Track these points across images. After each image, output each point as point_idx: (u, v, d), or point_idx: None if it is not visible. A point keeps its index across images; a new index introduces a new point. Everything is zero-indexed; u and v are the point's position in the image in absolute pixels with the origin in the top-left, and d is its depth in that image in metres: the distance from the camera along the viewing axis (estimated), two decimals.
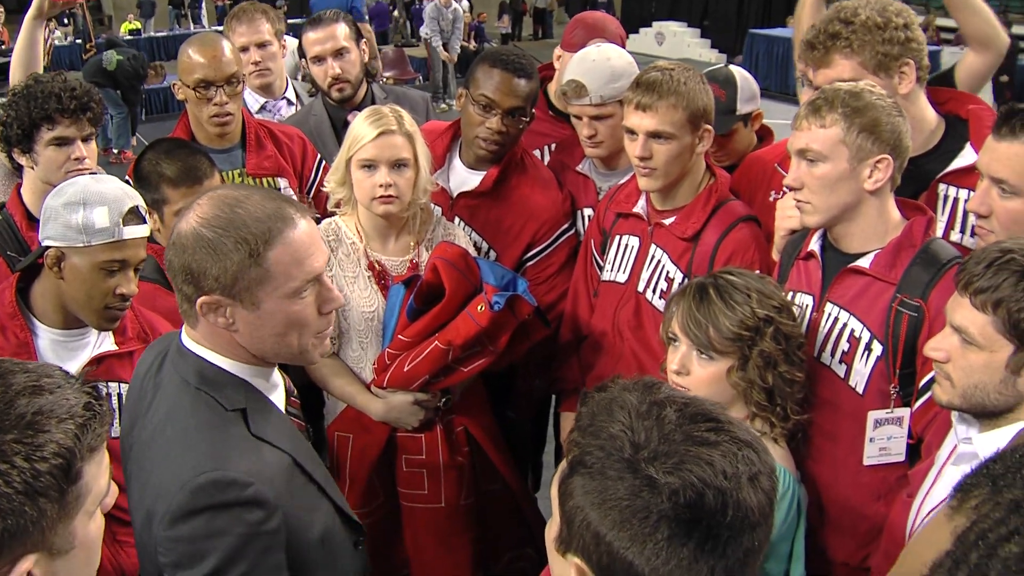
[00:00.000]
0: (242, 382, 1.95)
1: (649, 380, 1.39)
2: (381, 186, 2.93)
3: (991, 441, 1.96)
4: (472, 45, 17.76)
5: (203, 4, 25.84)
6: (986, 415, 2.01)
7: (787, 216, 2.78)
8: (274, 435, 1.94)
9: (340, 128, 4.03)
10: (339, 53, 4.02)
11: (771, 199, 3.16)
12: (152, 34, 22.06)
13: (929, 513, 2.13)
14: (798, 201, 2.52)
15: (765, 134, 3.74)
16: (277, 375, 2.10)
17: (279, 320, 1.90)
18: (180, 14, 25.93)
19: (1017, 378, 1.92)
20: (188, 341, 1.97)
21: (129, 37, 20.91)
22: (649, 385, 1.36)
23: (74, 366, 2.58)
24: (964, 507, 0.75)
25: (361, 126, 2.97)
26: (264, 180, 3.66)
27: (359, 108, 4.06)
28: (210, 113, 3.56)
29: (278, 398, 2.07)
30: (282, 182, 3.70)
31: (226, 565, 1.76)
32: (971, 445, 2.04)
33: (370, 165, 2.95)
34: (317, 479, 2.02)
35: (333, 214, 3.20)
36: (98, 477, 1.34)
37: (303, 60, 4.27)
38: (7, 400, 1.25)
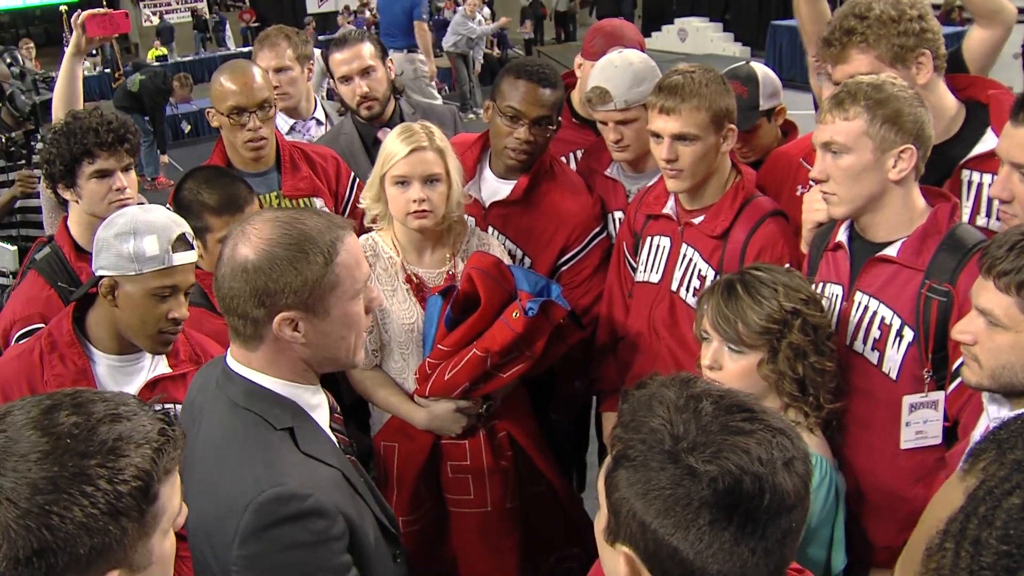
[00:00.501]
0: (289, 402, 2.02)
1: (685, 376, 1.45)
2: (415, 201, 3.00)
3: None
4: (496, 52, 17.78)
5: (227, 26, 26.08)
6: (1016, 394, 2.04)
7: (814, 209, 2.82)
8: (320, 452, 2.01)
9: (371, 145, 4.12)
10: (366, 72, 4.09)
11: (797, 193, 3.19)
12: (178, 59, 22.28)
13: None
14: (824, 193, 2.56)
15: (789, 128, 3.78)
16: (321, 393, 2.16)
17: (343, 323, 2.00)
18: (205, 37, 26.19)
19: None
20: (235, 364, 2.03)
21: (156, 64, 21.18)
22: (686, 380, 1.43)
23: (130, 390, 2.66)
24: (974, 469, 0.83)
25: (393, 143, 3.04)
26: (300, 201, 3.74)
27: (389, 125, 4.13)
28: (244, 139, 3.64)
29: (322, 416, 2.14)
30: (318, 202, 3.77)
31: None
32: None
33: (403, 181, 3.02)
34: (361, 492, 2.10)
35: (369, 230, 3.26)
36: (172, 497, 1.41)
37: (331, 80, 4.34)
38: (90, 427, 1.32)
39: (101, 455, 1.30)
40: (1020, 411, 0.76)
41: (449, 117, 4.41)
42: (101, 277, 2.58)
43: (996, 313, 1.99)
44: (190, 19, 27.10)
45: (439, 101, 8.78)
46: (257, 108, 3.62)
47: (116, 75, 16.07)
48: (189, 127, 16.68)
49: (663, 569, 1.33)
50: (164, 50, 22.59)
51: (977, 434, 2.24)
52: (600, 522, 1.45)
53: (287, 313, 1.92)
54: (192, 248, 2.63)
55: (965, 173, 2.85)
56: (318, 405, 2.12)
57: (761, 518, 1.28)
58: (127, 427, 1.35)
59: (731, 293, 2.42)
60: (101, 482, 1.28)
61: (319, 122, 4.66)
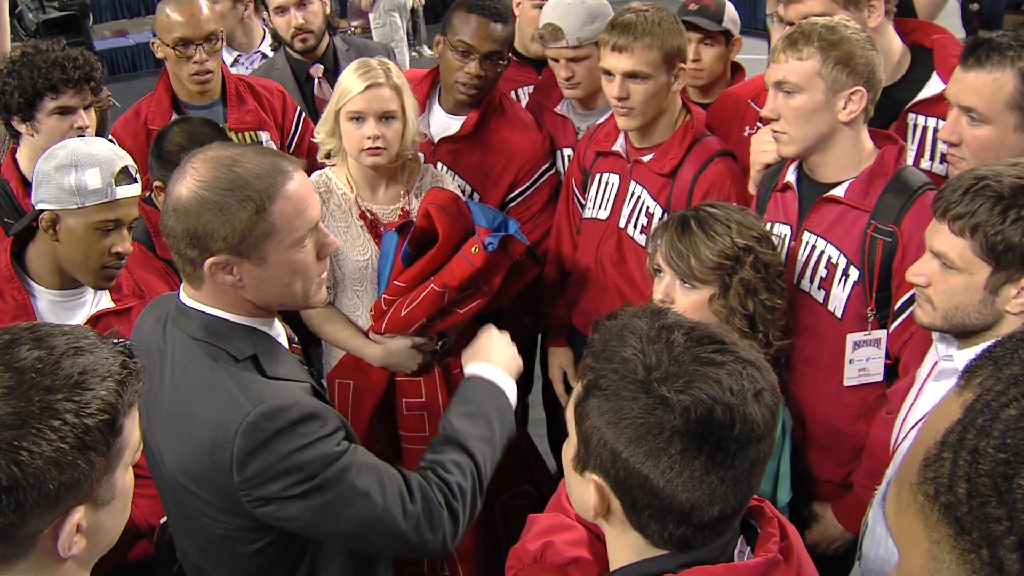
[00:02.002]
0: (249, 330, 2.00)
1: (656, 307, 1.48)
2: (369, 138, 2.97)
3: (970, 357, 2.05)
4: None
5: None
6: (965, 334, 2.09)
7: (763, 151, 2.85)
8: (287, 372, 2.01)
9: (303, 81, 4.10)
10: (302, 3, 4.03)
11: (745, 134, 3.22)
12: None
13: (913, 427, 2.23)
14: (775, 132, 2.59)
15: (737, 70, 3.80)
16: (278, 324, 2.15)
17: (284, 271, 1.95)
18: None
19: (995, 297, 2.00)
20: (189, 300, 2.00)
21: None
22: (657, 312, 1.44)
23: None
24: (971, 384, 0.86)
25: (350, 79, 3.01)
26: (246, 134, 3.70)
27: (321, 61, 4.14)
28: (190, 71, 3.59)
29: (282, 343, 2.13)
30: (264, 135, 3.73)
31: (310, 477, 1.87)
32: (952, 362, 2.13)
33: (358, 117, 2.98)
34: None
35: (321, 165, 3.24)
36: (133, 431, 1.40)
37: (265, 11, 4.27)
38: (53, 361, 1.30)
39: (67, 389, 1.28)
40: (1010, 334, 0.82)
41: (383, 54, 4.33)
42: (41, 211, 2.53)
43: (950, 256, 2.03)
44: None
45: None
46: (204, 41, 3.56)
47: None
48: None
49: (632, 497, 1.35)
50: None
51: (923, 371, 2.30)
52: (569, 451, 1.47)
53: (217, 258, 1.88)
54: (136, 181, 2.58)
55: (911, 116, 2.90)
56: (276, 335, 2.11)
57: (731, 447, 1.30)
58: (90, 360, 1.33)
59: (685, 228, 2.43)
60: (68, 416, 1.26)
61: (264, 55, 4.57)
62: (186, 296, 2.01)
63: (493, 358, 2.30)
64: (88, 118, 3.12)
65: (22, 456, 1.22)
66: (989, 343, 0.90)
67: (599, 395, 1.36)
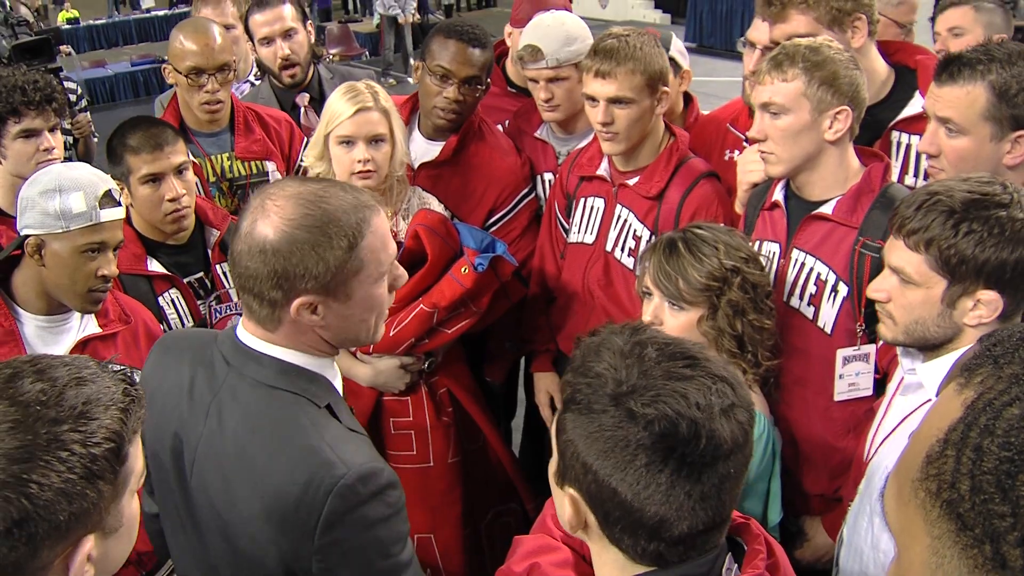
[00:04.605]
0: (322, 378, 1.93)
1: (637, 324, 1.47)
2: (360, 161, 2.99)
3: (934, 370, 2.09)
4: (415, 18, 17.62)
5: None
6: (928, 347, 2.12)
7: (749, 170, 2.88)
8: (354, 423, 1.94)
9: (289, 110, 4.09)
10: (288, 34, 4.03)
11: (726, 158, 3.26)
12: (91, 22, 21.66)
13: (883, 441, 2.24)
14: (763, 152, 2.62)
15: (687, 101, 3.74)
16: (335, 366, 2.04)
17: (365, 307, 1.89)
18: (119, 1, 25.48)
19: (952, 311, 2.02)
20: (253, 341, 1.90)
21: (67, 26, 20.57)
22: (636, 328, 1.45)
23: (60, 350, 2.61)
24: (972, 383, 0.87)
25: (338, 103, 3.02)
26: (252, 163, 3.70)
27: (307, 90, 4.13)
28: (201, 100, 3.58)
29: (339, 385, 2.04)
30: (270, 165, 3.74)
31: (388, 549, 1.82)
32: (916, 376, 2.16)
33: (348, 141, 3.01)
34: None
35: None
36: (138, 458, 1.40)
37: (250, 43, 4.27)
38: (57, 393, 1.31)
39: (72, 420, 1.29)
40: (1011, 327, 0.86)
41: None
42: (27, 236, 2.52)
43: (907, 271, 2.06)
44: None
45: None
46: (216, 71, 3.55)
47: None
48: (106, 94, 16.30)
49: (604, 510, 1.36)
50: (76, 12, 21.92)
51: (892, 386, 2.34)
52: (552, 465, 1.48)
53: (306, 298, 1.80)
54: (119, 205, 2.58)
55: (895, 135, 2.94)
56: (336, 375, 2.02)
57: (697, 462, 1.30)
58: (93, 390, 1.34)
59: (673, 250, 2.45)
60: (75, 446, 1.27)
61: (252, 84, 4.57)
62: (252, 337, 1.91)
63: None
64: (54, 140, 3.12)
65: (32, 489, 1.22)
66: (955, 357, 0.92)
67: (574, 408, 1.38)
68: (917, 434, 0.91)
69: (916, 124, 2.83)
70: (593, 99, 2.97)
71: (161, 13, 21.63)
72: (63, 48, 14.59)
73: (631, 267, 3.09)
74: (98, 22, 21.79)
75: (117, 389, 1.36)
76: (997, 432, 0.81)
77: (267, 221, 1.79)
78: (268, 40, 4.04)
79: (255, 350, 1.90)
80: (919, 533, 0.86)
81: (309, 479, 1.75)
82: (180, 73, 3.55)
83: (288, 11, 4.04)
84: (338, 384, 2.00)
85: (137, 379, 1.44)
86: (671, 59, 3.52)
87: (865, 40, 2.86)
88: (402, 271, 1.98)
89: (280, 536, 1.79)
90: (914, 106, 2.89)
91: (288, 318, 1.83)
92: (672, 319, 2.46)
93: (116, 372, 1.41)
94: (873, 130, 2.86)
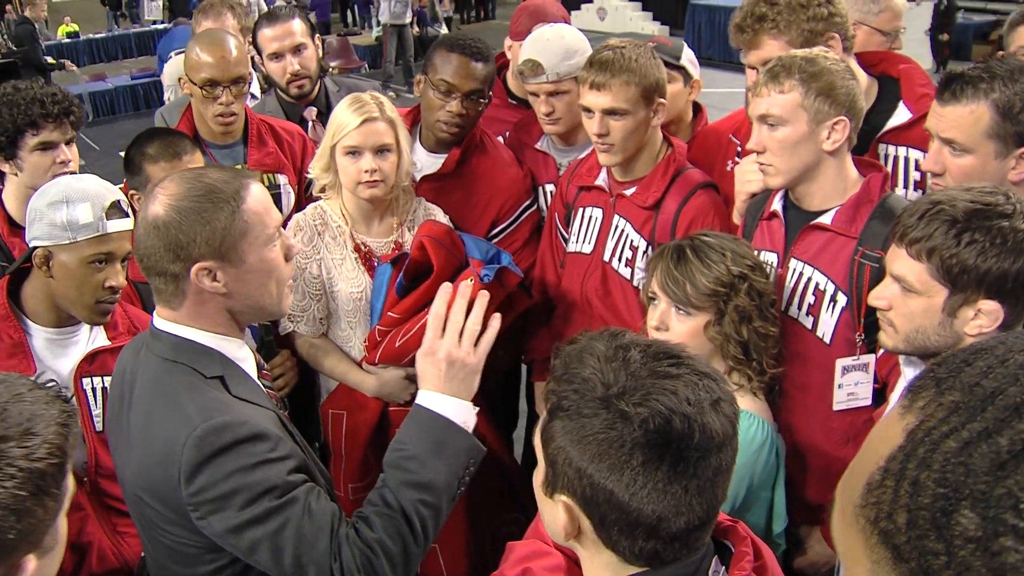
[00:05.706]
0: (217, 353, 2.08)
1: (614, 329, 1.50)
2: (366, 171, 3.03)
3: None
4: (415, 31, 17.66)
5: (142, 2, 25.36)
6: (929, 356, 2.12)
7: (747, 180, 2.90)
8: (253, 396, 2.07)
9: (296, 123, 4.09)
10: (297, 49, 4.06)
11: (728, 168, 3.27)
12: (91, 36, 21.71)
13: None
14: (761, 164, 2.64)
15: (698, 110, 3.80)
16: (246, 348, 2.21)
17: (260, 270, 2.06)
18: (119, 14, 25.51)
19: (953, 320, 2.04)
20: (161, 322, 2.09)
21: (67, 40, 20.62)
22: (614, 333, 1.48)
23: (69, 362, 2.65)
24: (914, 407, 0.86)
25: (345, 114, 3.06)
26: (265, 176, 3.71)
27: (314, 103, 4.15)
28: (215, 112, 3.60)
29: (250, 368, 2.19)
30: (282, 178, 3.76)
31: (255, 497, 1.90)
32: None
33: (355, 151, 3.05)
34: (299, 441, 2.15)
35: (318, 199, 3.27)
36: (70, 473, 1.40)
37: (258, 56, 4.28)
38: (1, 410, 1.31)
39: (18, 436, 1.29)
40: (959, 348, 0.81)
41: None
42: (35, 248, 2.55)
43: (909, 279, 2.08)
44: None
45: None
46: (231, 83, 3.57)
47: None
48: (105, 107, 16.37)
49: (600, 513, 1.38)
50: (76, 26, 21.97)
51: (894, 396, 2.34)
52: (538, 476, 1.50)
53: (203, 263, 1.98)
54: (127, 216, 2.60)
55: (882, 147, 2.97)
56: (245, 358, 2.17)
57: (692, 456, 1.33)
58: (32, 407, 1.34)
59: (681, 256, 2.48)
60: (21, 462, 1.27)
61: (253, 96, 4.58)
62: (160, 319, 2.10)
63: (434, 383, 2.23)
64: (70, 152, 3.15)
65: None
66: (935, 360, 0.92)
67: (562, 416, 1.40)
68: (860, 456, 0.89)
69: (902, 135, 2.87)
70: (589, 110, 2.99)
71: (161, 27, 21.71)
72: (67, 63, 14.69)
73: (628, 277, 3.12)
74: (98, 36, 21.85)
75: (53, 405, 1.37)
76: (934, 467, 0.79)
77: (156, 203, 2.00)
78: (278, 55, 4.07)
79: (159, 329, 2.09)
80: (861, 556, 0.85)
81: (171, 435, 1.93)
82: (195, 84, 3.58)
83: (298, 26, 4.07)
84: (247, 365, 2.17)
85: (66, 396, 1.45)
86: (682, 68, 3.59)
87: (841, 56, 2.86)
88: (293, 242, 2.16)
89: (160, 497, 1.96)
90: (899, 116, 2.91)
91: (191, 289, 2.03)
92: (679, 324, 2.48)
93: (49, 389, 1.42)
94: (860, 141, 2.84)
